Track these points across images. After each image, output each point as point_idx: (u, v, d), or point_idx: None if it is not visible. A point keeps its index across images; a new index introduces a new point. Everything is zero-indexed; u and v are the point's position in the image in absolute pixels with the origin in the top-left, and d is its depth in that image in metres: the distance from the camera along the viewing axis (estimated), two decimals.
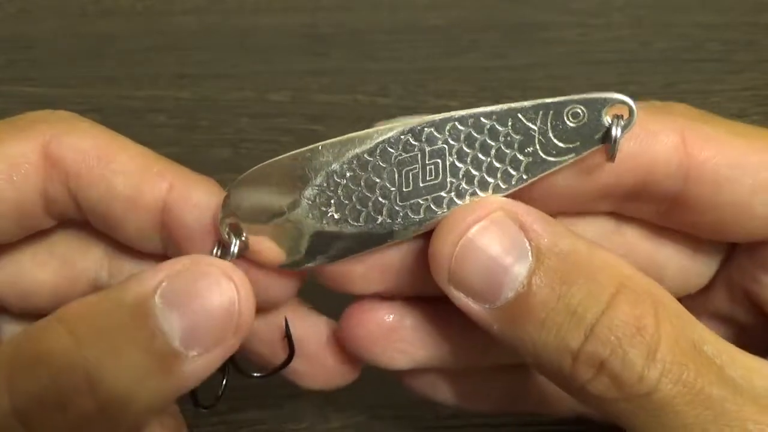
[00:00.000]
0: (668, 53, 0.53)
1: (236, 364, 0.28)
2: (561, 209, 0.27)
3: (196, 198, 0.26)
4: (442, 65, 0.53)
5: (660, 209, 0.27)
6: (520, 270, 0.24)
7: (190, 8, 0.56)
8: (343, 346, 0.29)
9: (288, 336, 0.29)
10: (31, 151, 0.26)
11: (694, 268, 0.29)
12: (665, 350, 0.23)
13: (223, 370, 0.28)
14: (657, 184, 0.26)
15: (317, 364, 0.30)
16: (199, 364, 0.24)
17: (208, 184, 0.27)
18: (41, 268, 0.29)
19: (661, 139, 0.26)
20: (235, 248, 0.26)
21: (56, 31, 0.55)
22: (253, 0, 0.57)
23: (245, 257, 0.27)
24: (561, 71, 0.52)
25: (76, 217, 0.28)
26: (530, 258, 0.24)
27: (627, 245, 0.29)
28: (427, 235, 0.26)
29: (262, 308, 0.28)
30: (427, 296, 0.29)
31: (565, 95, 0.26)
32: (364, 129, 0.26)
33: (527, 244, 0.24)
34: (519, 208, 0.25)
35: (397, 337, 0.29)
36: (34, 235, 0.29)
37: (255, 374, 0.29)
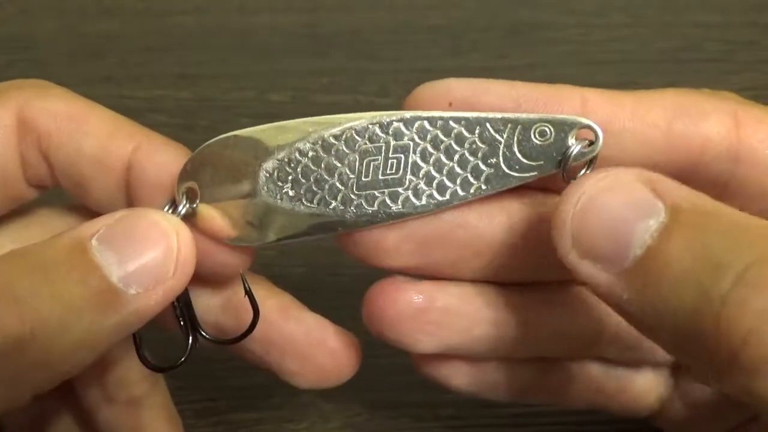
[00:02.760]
0: (668, 53, 0.53)
1: (201, 330, 0.28)
2: None
3: (160, 158, 0.27)
4: (442, 65, 0.53)
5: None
6: (650, 225, 0.22)
7: (190, 8, 0.56)
8: (369, 324, 0.28)
9: (249, 295, 0.29)
10: (6, 116, 0.27)
11: None
12: None
13: (187, 334, 0.28)
14: (707, 166, 0.25)
15: (309, 363, 0.30)
16: (141, 303, 0.24)
17: (174, 147, 0.27)
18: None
19: (713, 119, 0.25)
20: (182, 210, 0.26)
21: (56, 31, 0.55)
22: (253, 0, 0.57)
23: (194, 225, 0.27)
24: (561, 71, 0.52)
25: (51, 183, 0.28)
26: (663, 214, 0.22)
27: None
28: (468, 207, 0.26)
29: (211, 277, 0.28)
30: (460, 278, 0.28)
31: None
32: None
33: (660, 203, 0.23)
34: (653, 173, 0.24)
35: (426, 318, 0.28)
36: (19, 224, 0.29)
37: (222, 339, 0.29)
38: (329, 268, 0.41)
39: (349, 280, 0.41)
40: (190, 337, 0.28)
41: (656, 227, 0.22)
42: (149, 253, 0.24)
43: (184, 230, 0.25)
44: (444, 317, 0.28)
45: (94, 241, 0.24)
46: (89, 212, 0.29)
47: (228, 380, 0.38)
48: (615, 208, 0.23)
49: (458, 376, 0.30)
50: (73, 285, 0.24)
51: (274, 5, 0.57)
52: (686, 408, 0.31)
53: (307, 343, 0.29)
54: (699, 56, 0.53)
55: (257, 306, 0.28)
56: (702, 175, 0.26)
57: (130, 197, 0.27)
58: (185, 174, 0.26)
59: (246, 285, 0.29)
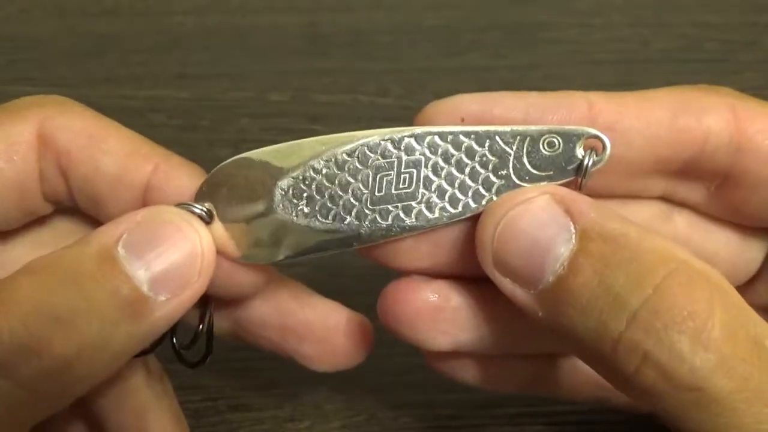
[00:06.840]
0: (668, 53, 0.53)
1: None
2: (614, 185, 0.27)
3: (178, 180, 0.27)
4: (442, 65, 0.53)
5: (710, 188, 0.28)
6: (561, 252, 0.24)
7: (190, 8, 0.56)
8: (384, 322, 0.28)
9: (208, 331, 0.29)
10: (27, 132, 0.27)
11: (743, 258, 0.29)
12: (720, 340, 0.22)
13: (209, 340, 0.29)
14: (710, 157, 0.26)
15: (326, 346, 0.30)
16: (169, 308, 0.25)
17: (191, 168, 0.28)
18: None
19: (714, 112, 0.26)
20: None
21: (56, 31, 0.55)
22: (253, 0, 0.57)
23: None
24: (561, 71, 0.52)
25: (68, 200, 0.28)
26: (573, 240, 0.24)
27: (677, 233, 0.29)
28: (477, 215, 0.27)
29: (227, 296, 0.29)
30: (473, 277, 0.28)
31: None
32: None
33: (571, 227, 0.24)
34: (567, 192, 0.25)
35: (441, 317, 0.28)
36: (32, 228, 0.29)
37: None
38: (330, 268, 0.41)
39: (351, 280, 0.41)
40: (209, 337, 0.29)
41: (566, 255, 0.24)
42: (175, 259, 0.25)
43: (205, 231, 0.26)
44: (457, 315, 0.28)
45: (120, 249, 0.24)
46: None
47: (228, 380, 0.38)
48: (531, 233, 0.25)
49: (468, 372, 0.31)
50: (108, 298, 0.24)
51: (274, 5, 0.57)
52: None
53: (323, 328, 0.30)
54: (699, 56, 0.53)
55: (212, 344, 0.29)
56: (705, 166, 0.27)
57: None
58: (201, 195, 0.26)
59: (209, 318, 0.29)
